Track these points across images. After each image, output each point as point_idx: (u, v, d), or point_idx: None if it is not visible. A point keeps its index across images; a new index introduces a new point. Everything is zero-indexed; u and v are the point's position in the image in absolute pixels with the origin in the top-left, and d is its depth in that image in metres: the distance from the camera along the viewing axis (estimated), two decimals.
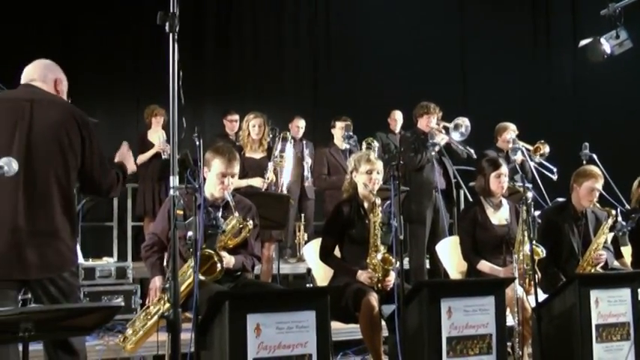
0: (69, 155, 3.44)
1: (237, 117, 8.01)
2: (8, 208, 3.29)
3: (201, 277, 3.79)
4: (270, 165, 6.37)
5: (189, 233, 3.51)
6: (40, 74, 3.56)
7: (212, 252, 4.03)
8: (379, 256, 4.57)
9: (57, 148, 3.41)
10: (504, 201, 5.32)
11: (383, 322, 4.40)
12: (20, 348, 2.69)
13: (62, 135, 3.43)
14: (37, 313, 2.58)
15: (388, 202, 4.69)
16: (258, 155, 6.49)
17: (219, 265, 4.02)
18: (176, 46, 3.03)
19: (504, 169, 5.26)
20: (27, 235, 3.29)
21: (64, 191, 3.43)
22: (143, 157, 7.77)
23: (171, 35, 3.05)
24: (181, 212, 2.96)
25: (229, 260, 4.20)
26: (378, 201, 4.64)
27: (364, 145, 7.30)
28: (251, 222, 4.24)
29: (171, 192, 3.01)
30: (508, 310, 4.40)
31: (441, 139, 6.72)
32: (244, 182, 6.24)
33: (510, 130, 7.10)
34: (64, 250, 3.40)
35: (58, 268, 3.36)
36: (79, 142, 3.47)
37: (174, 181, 3.01)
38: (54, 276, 3.35)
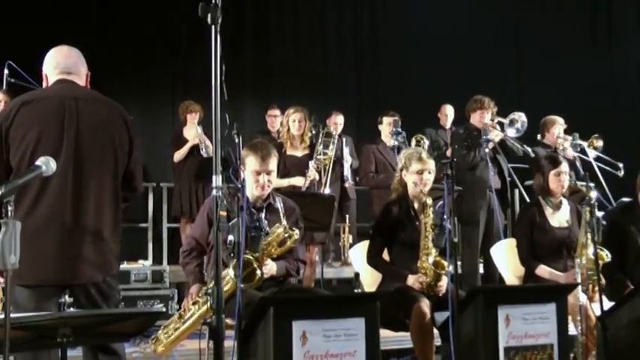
0: (119, 154, 3.50)
1: (278, 112, 8.05)
2: (57, 208, 3.33)
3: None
4: (312, 163, 6.38)
5: (230, 237, 3.53)
6: (76, 67, 3.60)
7: (251, 258, 4.04)
8: (431, 259, 4.55)
9: (108, 146, 3.47)
10: (565, 201, 5.26)
11: (435, 330, 4.38)
12: (59, 354, 2.74)
13: (112, 133, 3.49)
14: (76, 318, 2.64)
15: (440, 202, 4.66)
16: (300, 153, 6.52)
17: (258, 272, 4.04)
18: (219, 38, 3.05)
19: (565, 166, 5.20)
20: (76, 237, 3.34)
21: (115, 191, 3.49)
22: (180, 154, 7.86)
23: (213, 27, 3.07)
24: (225, 213, 2.98)
25: (271, 268, 4.22)
26: (430, 201, 4.62)
27: (413, 142, 7.28)
28: (297, 231, 4.26)
29: (214, 192, 3.03)
30: (570, 318, 4.34)
31: (496, 135, 6.66)
32: (286, 181, 6.27)
33: (558, 124, 6.99)
34: (110, 252, 3.45)
35: (105, 272, 3.41)
36: (127, 141, 3.53)
37: (216, 180, 3.03)
38: (98, 280, 3.40)
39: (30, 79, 5.86)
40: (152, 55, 9.28)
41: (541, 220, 5.13)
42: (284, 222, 4.14)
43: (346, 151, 7.67)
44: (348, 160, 7.54)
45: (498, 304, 3.95)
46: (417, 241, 4.63)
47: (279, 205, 4.21)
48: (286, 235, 4.18)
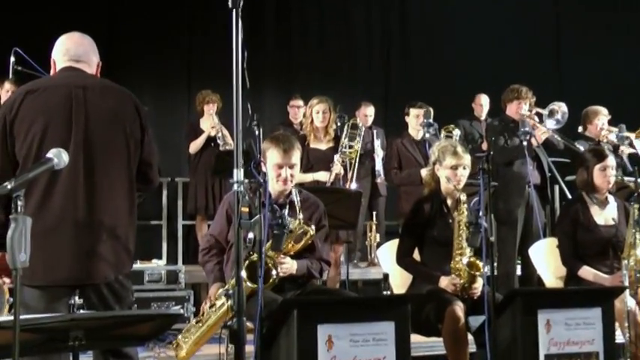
0: (132, 145, 3.50)
1: (301, 102, 8.05)
2: (69, 203, 3.34)
3: (252, 285, 3.80)
4: (337, 157, 6.37)
5: (250, 235, 3.54)
6: (86, 56, 3.60)
7: (268, 260, 4.03)
8: (465, 260, 4.52)
9: (120, 137, 3.47)
10: (611, 198, 5.21)
11: (470, 336, 4.36)
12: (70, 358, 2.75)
13: (123, 122, 3.49)
14: (89, 320, 2.64)
15: (475, 198, 4.63)
16: (324, 146, 6.52)
17: (274, 272, 4.03)
18: (240, 23, 3.05)
19: (611, 160, 5.15)
20: (90, 234, 3.35)
21: (130, 184, 3.50)
22: (196, 145, 7.90)
23: (234, 11, 3.06)
24: (247, 210, 2.97)
25: (291, 266, 4.20)
26: (464, 197, 4.60)
27: (443, 134, 7.24)
28: (314, 227, 4.23)
29: (235, 187, 3.02)
30: (617, 324, 4.30)
31: (542, 133, 6.56)
32: (309, 176, 6.27)
33: (602, 115, 6.92)
34: (125, 249, 3.46)
35: (118, 270, 3.42)
36: (139, 130, 3.53)
37: (237, 174, 3.03)
38: (111, 279, 3.41)
39: (38, 68, 5.89)
40: (167, 43, 9.32)
41: (585, 218, 5.08)
42: (300, 216, 4.12)
43: (377, 143, 7.66)
44: (379, 154, 7.53)
45: (538, 308, 3.93)
46: (450, 240, 4.60)
47: (294, 197, 4.19)
48: (301, 230, 4.17)
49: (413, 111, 7.34)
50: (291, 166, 4.31)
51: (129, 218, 3.49)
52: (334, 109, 6.56)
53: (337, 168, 6.30)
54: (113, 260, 3.40)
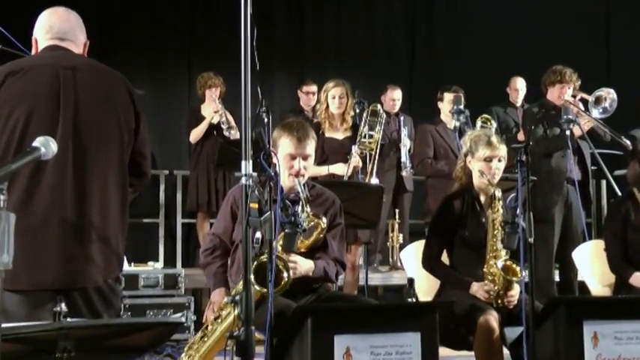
0: (125, 134, 3.49)
1: (314, 88, 8.06)
2: (56, 199, 3.32)
3: (261, 289, 3.78)
4: (356, 147, 6.36)
5: (258, 234, 3.53)
6: (72, 33, 3.58)
7: (278, 260, 4.01)
8: (500, 263, 4.50)
9: (113, 125, 3.46)
10: None
11: (505, 350, 4.33)
12: None
13: (116, 109, 3.48)
14: (80, 329, 2.63)
15: (512, 194, 4.60)
16: (341, 135, 6.51)
17: (285, 274, 4.01)
18: None
19: None
20: (79, 233, 3.34)
21: (122, 178, 3.49)
22: (196, 133, 7.92)
23: None
24: (256, 205, 2.96)
25: (305, 267, 4.17)
26: (499, 193, 4.57)
27: (478, 123, 7.21)
28: (325, 219, 4.21)
29: (243, 180, 3.01)
30: None
31: (586, 122, 6.51)
32: (324, 169, 6.26)
33: None
34: (114, 252, 3.46)
35: (108, 273, 3.42)
36: (133, 117, 3.52)
37: (246, 166, 3.02)
38: (101, 283, 3.41)
39: (23, 48, 5.89)
40: (165, 20, 9.34)
41: (637, 218, 5.05)
42: (307, 208, 4.11)
43: (404, 132, 7.65)
44: (406, 144, 7.51)
45: (584, 318, 3.90)
46: (483, 242, 4.59)
47: (298, 187, 4.16)
48: (312, 223, 4.14)
49: (448, 96, 7.31)
50: (305, 157, 4.29)
51: (120, 216, 3.49)
52: (352, 93, 6.54)
53: (355, 160, 6.29)
54: (102, 263, 3.39)
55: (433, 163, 7.22)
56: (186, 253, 8.79)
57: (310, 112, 7.95)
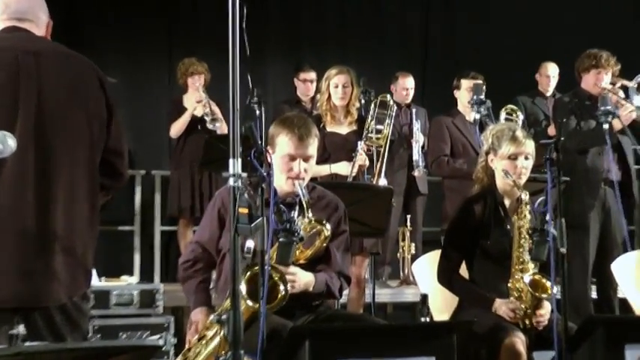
0: (96, 129, 3.48)
1: (313, 75, 8.08)
2: (13, 206, 3.31)
3: (253, 305, 3.78)
4: (362, 144, 6.36)
5: (248, 243, 3.52)
6: (32, 13, 3.56)
7: (273, 272, 3.99)
8: (527, 277, 4.51)
9: (81, 119, 3.45)
10: None
11: None
12: None
13: (85, 100, 3.47)
14: (41, 355, 2.62)
15: (541, 197, 4.61)
16: (345, 129, 6.51)
17: (281, 287, 4.00)
18: None
19: None
20: (41, 245, 3.32)
21: (91, 180, 3.48)
22: (177, 127, 7.94)
23: None
24: (246, 211, 2.96)
25: (305, 280, 4.16)
26: (526, 196, 4.58)
27: (502, 115, 7.20)
28: (329, 225, 4.20)
29: (231, 181, 3.01)
30: None
31: (627, 112, 6.51)
32: (326, 168, 6.26)
33: None
34: (82, 263, 3.45)
35: (74, 290, 3.41)
36: (105, 111, 3.52)
37: (234, 165, 3.01)
38: (65, 301, 3.40)
39: None
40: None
41: None
42: (309, 213, 4.10)
43: (417, 126, 7.64)
44: (419, 140, 7.50)
45: (625, 341, 3.90)
46: (507, 253, 4.60)
47: (298, 190, 4.15)
48: (314, 230, 4.13)
49: (466, 83, 7.30)
50: (307, 159, 4.27)
51: (89, 224, 3.48)
52: (357, 82, 6.55)
53: (361, 158, 6.28)
54: (67, 278, 3.38)
55: (450, 161, 7.18)
56: (166, 265, 8.77)
57: (308, 103, 7.95)
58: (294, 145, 4.24)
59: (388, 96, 7.04)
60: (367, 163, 6.35)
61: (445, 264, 4.82)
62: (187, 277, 4.42)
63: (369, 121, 6.52)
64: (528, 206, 4.59)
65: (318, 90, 6.92)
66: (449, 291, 4.83)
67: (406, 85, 8.14)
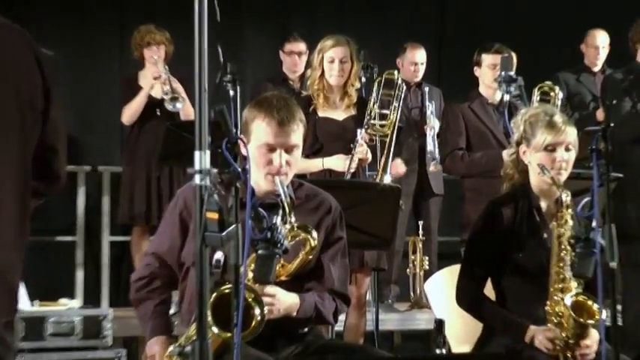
0: (29, 118, 3.47)
1: (302, 46, 8.12)
2: None
3: (222, 334, 3.79)
4: (363, 132, 6.38)
5: (217, 255, 3.52)
6: None
7: (246, 292, 3.98)
8: (569, 299, 4.51)
9: (10, 106, 3.44)
10: None
11: None
12: None
13: (17, 83, 3.46)
14: None
15: (586, 199, 4.62)
16: (341, 114, 6.56)
17: (257, 310, 4.01)
18: None
19: None
20: None
21: (22, 180, 3.47)
22: (131, 110, 7.93)
23: None
24: (216, 216, 2.96)
25: (287, 303, 4.16)
26: (567, 197, 4.58)
27: (536, 95, 7.21)
28: (314, 233, 4.17)
29: (197, 179, 3.01)
30: None
31: None
32: (317, 162, 6.28)
33: None
34: (7, 282, 3.45)
35: None
36: (41, 92, 3.51)
37: (201, 159, 3.01)
38: None
39: None
40: None
41: None
42: (291, 218, 4.09)
43: (430, 109, 7.64)
44: (434, 126, 7.51)
45: None
46: (545, 268, 4.61)
47: (279, 186, 4.14)
48: (297, 239, 4.10)
49: (488, 58, 7.32)
50: (290, 149, 4.25)
51: (16, 234, 3.47)
52: (358, 56, 6.56)
53: (362, 150, 6.29)
54: None
55: (466, 155, 7.21)
56: (116, 286, 8.77)
57: (297, 81, 7.97)
58: (272, 132, 4.22)
59: (395, 73, 7.05)
60: (369, 156, 6.36)
61: (466, 282, 4.83)
62: (142, 299, 4.40)
63: (371, 104, 6.56)
64: (570, 210, 4.59)
65: (309, 65, 6.91)
66: (471, 316, 4.84)
67: (415, 59, 8.15)
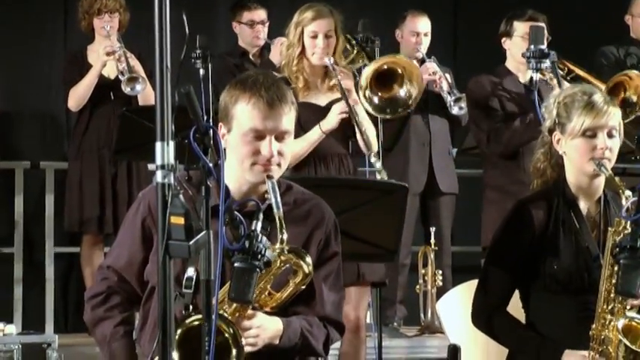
0: None
1: (263, 14, 8.27)
2: None
3: None
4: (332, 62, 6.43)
5: (189, 272, 3.51)
6: None
7: (224, 327, 3.97)
8: (621, 321, 4.50)
9: None
10: None
11: None
12: None
13: None
14: None
15: (633, 199, 4.61)
16: (323, 99, 6.62)
17: (234, 352, 3.94)
18: None
19: None
20: None
21: None
22: (78, 93, 7.90)
23: None
24: (181, 220, 2.94)
25: (270, 331, 4.14)
26: (629, 198, 4.55)
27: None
28: (308, 258, 4.13)
29: (158, 177, 2.99)
30: None
31: None
32: (315, 133, 6.38)
33: None
34: None
35: None
36: None
37: (165, 153, 2.99)
38: None
39: None
40: None
41: None
42: (282, 235, 4.06)
43: (444, 87, 7.65)
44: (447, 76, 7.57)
45: None
46: (585, 282, 4.62)
47: (272, 194, 4.11)
48: (286, 265, 4.07)
49: (520, 26, 7.35)
50: (281, 135, 4.19)
51: None
52: (343, 28, 6.58)
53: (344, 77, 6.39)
54: None
55: (495, 141, 7.24)
56: (63, 307, 8.77)
57: (257, 56, 8.03)
58: (260, 115, 4.16)
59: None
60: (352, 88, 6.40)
61: (484, 297, 4.82)
62: (99, 319, 4.36)
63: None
64: (617, 210, 4.60)
65: (288, 39, 6.88)
66: (491, 338, 4.84)
67: (417, 28, 8.18)
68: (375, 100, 6.50)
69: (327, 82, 6.54)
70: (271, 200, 4.02)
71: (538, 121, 5.81)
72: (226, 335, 3.87)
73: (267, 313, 4.12)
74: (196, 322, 3.65)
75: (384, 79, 6.44)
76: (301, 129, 6.29)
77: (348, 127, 6.39)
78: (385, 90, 6.35)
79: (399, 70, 6.36)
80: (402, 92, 6.25)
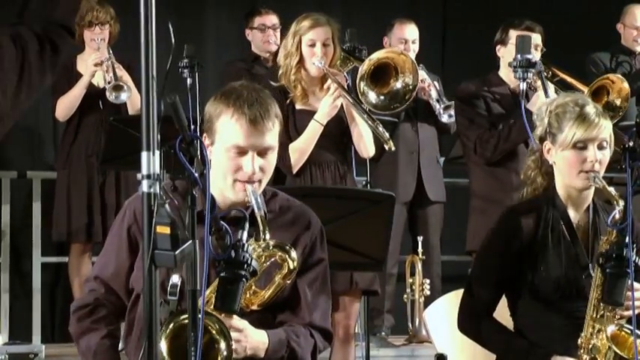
0: None
1: (275, 19, 8.17)
2: None
3: None
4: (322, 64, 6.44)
5: (173, 279, 3.52)
6: None
7: (210, 323, 3.98)
8: (610, 329, 4.53)
9: None
10: None
11: None
12: None
13: None
14: None
15: (617, 208, 4.62)
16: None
17: (222, 344, 3.96)
18: None
19: None
20: None
21: None
22: (65, 103, 7.89)
23: None
24: (167, 230, 2.96)
25: (255, 340, 4.16)
26: (618, 208, 4.58)
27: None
28: (294, 253, 4.17)
29: (144, 186, 3.01)
30: None
31: None
32: (314, 127, 6.36)
33: None
34: None
35: None
36: None
37: (149, 162, 3.01)
38: None
39: None
40: None
41: None
42: (265, 235, 4.06)
43: (433, 94, 7.67)
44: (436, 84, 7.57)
45: None
46: (573, 291, 4.64)
47: (252, 198, 4.11)
48: (271, 260, 4.11)
49: (515, 33, 7.34)
50: (263, 152, 4.21)
51: None
52: (340, 36, 6.60)
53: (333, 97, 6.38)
54: None
55: (489, 145, 7.25)
56: (50, 316, 8.76)
57: (271, 60, 8.02)
58: (243, 133, 4.18)
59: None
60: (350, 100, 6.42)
61: (471, 302, 4.83)
62: (84, 331, 4.37)
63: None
64: (604, 220, 4.62)
65: (285, 46, 6.88)
66: (478, 344, 4.85)
67: (405, 35, 8.17)
68: (378, 100, 6.51)
69: (324, 89, 6.54)
70: (251, 203, 4.05)
71: (523, 125, 5.85)
72: (214, 332, 3.89)
73: (252, 311, 4.14)
74: (184, 321, 3.65)
75: (378, 77, 6.46)
76: (297, 134, 6.33)
77: (344, 133, 6.41)
78: (383, 87, 6.38)
79: (391, 64, 6.39)
80: (398, 84, 6.29)
